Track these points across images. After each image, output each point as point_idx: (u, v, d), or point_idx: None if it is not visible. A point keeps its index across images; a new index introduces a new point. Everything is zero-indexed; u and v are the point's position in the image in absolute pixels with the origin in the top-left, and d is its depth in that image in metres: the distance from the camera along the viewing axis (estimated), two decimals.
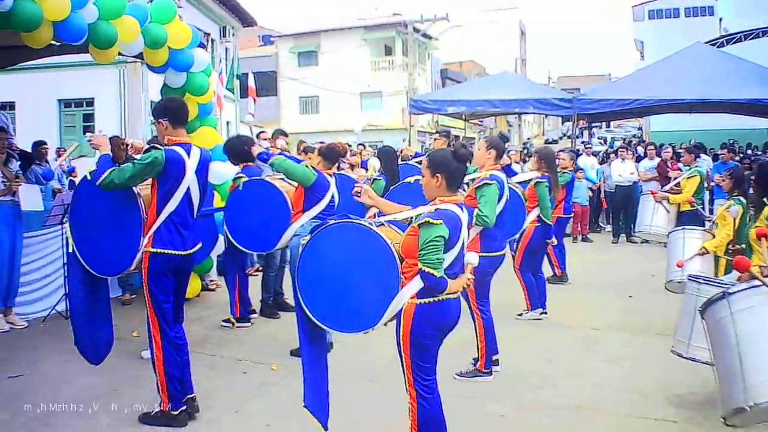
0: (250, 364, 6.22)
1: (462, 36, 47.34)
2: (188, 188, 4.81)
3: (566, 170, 9.39)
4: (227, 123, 24.18)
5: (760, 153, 18.75)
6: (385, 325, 3.94)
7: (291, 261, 7.03)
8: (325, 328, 4.04)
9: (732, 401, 3.41)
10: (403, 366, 3.88)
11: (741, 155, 18.59)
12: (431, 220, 3.67)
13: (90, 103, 20.12)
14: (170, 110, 4.88)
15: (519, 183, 7.71)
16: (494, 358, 5.94)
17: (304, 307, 4.00)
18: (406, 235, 3.86)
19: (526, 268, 7.85)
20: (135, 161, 4.65)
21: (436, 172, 3.90)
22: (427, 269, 3.63)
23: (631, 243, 13.19)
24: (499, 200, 5.80)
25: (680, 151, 13.61)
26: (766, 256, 4.52)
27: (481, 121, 40.43)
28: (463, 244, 3.89)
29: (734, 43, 32.26)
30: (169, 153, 4.68)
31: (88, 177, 4.84)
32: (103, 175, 4.60)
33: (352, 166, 10.70)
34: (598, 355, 6.66)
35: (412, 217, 3.99)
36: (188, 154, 4.82)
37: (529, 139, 53.13)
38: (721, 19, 56.85)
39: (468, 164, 4.23)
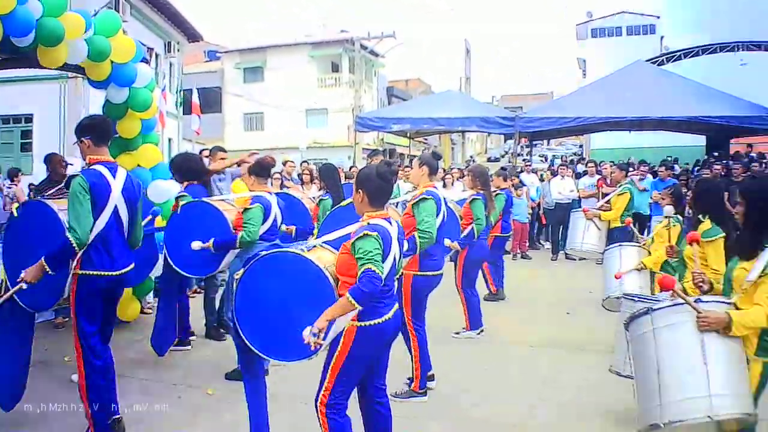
0: (185, 388, 6.11)
1: (408, 54, 47.67)
2: (115, 207, 4.72)
3: (499, 190, 9.48)
4: (169, 140, 23.91)
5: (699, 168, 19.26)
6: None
7: (227, 289, 6.90)
8: (268, 358, 4.06)
9: (648, 417, 3.47)
10: (322, 386, 3.93)
11: (687, 171, 19.05)
12: (368, 232, 3.75)
13: (29, 119, 19.69)
14: (92, 128, 4.80)
15: (455, 201, 7.79)
16: (429, 374, 5.97)
17: (246, 340, 4.01)
18: (340, 253, 3.91)
19: (468, 284, 7.92)
20: (70, 202, 4.53)
21: (359, 188, 4.01)
22: (368, 266, 3.66)
23: (569, 260, 13.38)
24: (437, 215, 5.84)
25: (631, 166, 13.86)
26: (698, 262, 4.65)
27: (426, 139, 40.69)
28: (394, 259, 3.95)
29: (674, 61, 33.13)
30: (89, 175, 4.60)
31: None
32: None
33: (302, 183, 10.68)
34: (536, 372, 6.73)
35: (346, 236, 4.02)
36: (112, 172, 4.74)
37: (471, 156, 53.64)
38: (662, 38, 58.37)
39: (393, 181, 4.28)
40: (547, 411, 5.68)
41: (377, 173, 4.03)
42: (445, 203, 6.18)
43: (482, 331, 7.95)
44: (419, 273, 5.85)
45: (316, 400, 3.94)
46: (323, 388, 3.93)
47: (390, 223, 4.00)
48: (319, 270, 3.86)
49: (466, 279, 7.87)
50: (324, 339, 3.64)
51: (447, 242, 6.51)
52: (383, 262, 3.82)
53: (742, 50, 32.78)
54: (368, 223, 3.87)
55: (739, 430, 3.60)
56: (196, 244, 6.14)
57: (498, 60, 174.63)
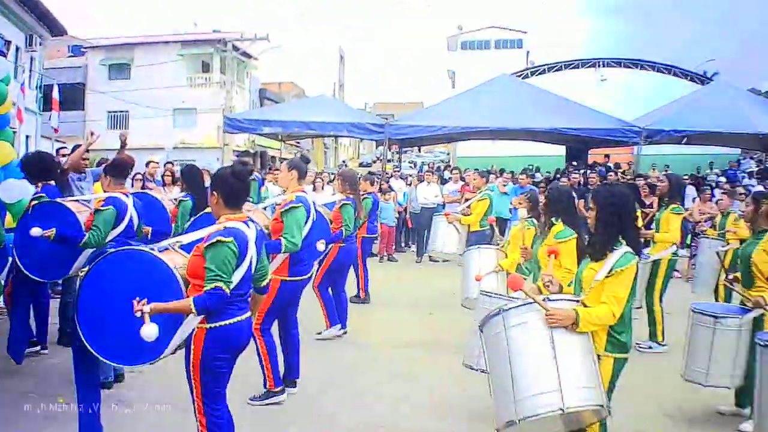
0: (35, 396, 5.74)
1: (282, 57, 47.43)
2: None
3: (366, 193, 9.56)
4: (27, 137, 22.66)
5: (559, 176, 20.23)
6: (174, 352, 3.85)
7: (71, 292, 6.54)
8: (108, 362, 3.88)
9: (505, 414, 3.58)
10: (192, 393, 3.82)
11: (547, 180, 19.84)
12: (222, 239, 3.66)
13: None
14: None
15: (324, 204, 7.81)
16: (288, 379, 5.95)
17: (86, 343, 3.82)
18: (192, 255, 3.81)
19: (325, 286, 7.94)
20: None
21: (214, 189, 3.95)
22: (215, 284, 3.59)
23: (434, 262, 13.66)
24: (306, 222, 5.82)
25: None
26: (551, 268, 4.86)
27: (299, 143, 40.57)
28: (251, 263, 3.89)
29: (539, 75, 34.66)
30: None
31: None
32: None
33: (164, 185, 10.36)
34: (397, 372, 6.82)
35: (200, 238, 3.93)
36: None
37: (344, 161, 53.90)
38: (528, 53, 60.70)
39: (249, 182, 4.23)
40: (407, 410, 5.76)
41: (232, 174, 3.97)
42: (315, 208, 6.17)
43: (344, 331, 8.01)
44: (288, 279, 5.82)
45: (195, 413, 3.85)
46: (195, 401, 3.84)
47: (248, 225, 3.93)
48: (169, 270, 3.75)
49: (328, 280, 7.90)
50: (164, 337, 3.54)
51: (320, 245, 6.55)
52: (239, 266, 3.76)
53: (603, 67, 34.74)
54: (224, 227, 3.80)
55: (593, 423, 3.80)
56: (36, 231, 5.72)
57: (372, 68, 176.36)
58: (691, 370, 5.61)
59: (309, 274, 6.06)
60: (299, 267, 5.86)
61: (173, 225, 7.40)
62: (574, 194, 6.31)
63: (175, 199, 7.92)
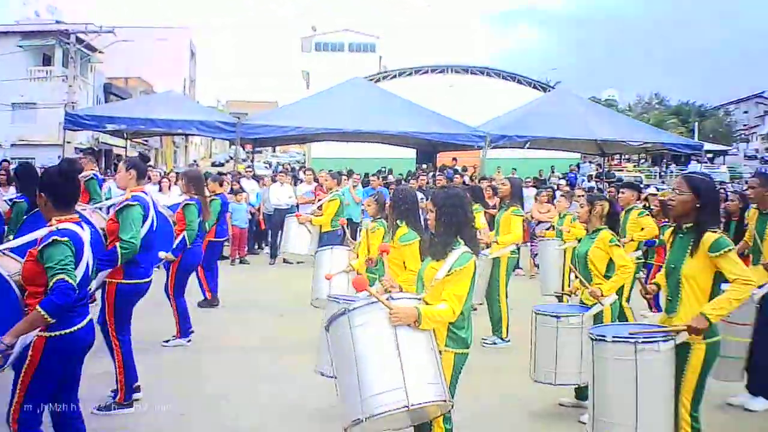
0: None
1: (130, 51, 45.55)
2: None
3: (214, 194, 9.34)
4: None
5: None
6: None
7: None
8: None
9: (351, 413, 3.57)
10: (12, 402, 3.63)
11: (398, 182, 20.15)
12: (58, 238, 3.51)
13: None
14: None
15: (168, 206, 7.57)
16: (135, 385, 5.70)
17: None
18: (26, 261, 3.59)
19: (180, 292, 7.68)
20: None
21: (41, 191, 3.76)
22: (60, 277, 3.44)
23: (287, 264, 13.56)
24: (143, 222, 5.59)
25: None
26: (389, 270, 4.92)
27: (146, 141, 39.18)
28: (87, 265, 3.72)
29: (391, 79, 35.25)
30: None
31: None
32: None
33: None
34: (248, 375, 6.73)
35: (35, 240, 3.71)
36: None
37: (195, 161, 52.55)
38: (381, 57, 61.61)
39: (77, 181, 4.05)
40: (257, 413, 5.70)
41: (60, 173, 3.81)
42: (155, 208, 5.94)
43: (189, 340, 7.77)
44: (123, 281, 5.56)
45: (7, 419, 3.64)
46: (13, 405, 3.64)
47: (82, 227, 3.76)
48: (2, 278, 3.51)
49: (178, 286, 7.64)
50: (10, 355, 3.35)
51: (162, 254, 6.31)
52: (76, 267, 3.59)
53: (451, 73, 35.82)
54: (57, 228, 3.62)
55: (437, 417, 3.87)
56: None
57: (226, 65, 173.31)
58: (540, 371, 5.81)
59: (148, 279, 5.81)
60: (135, 269, 5.60)
61: (5, 227, 6.95)
62: (419, 196, 6.44)
63: (10, 200, 7.46)
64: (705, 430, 4.11)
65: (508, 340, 8.03)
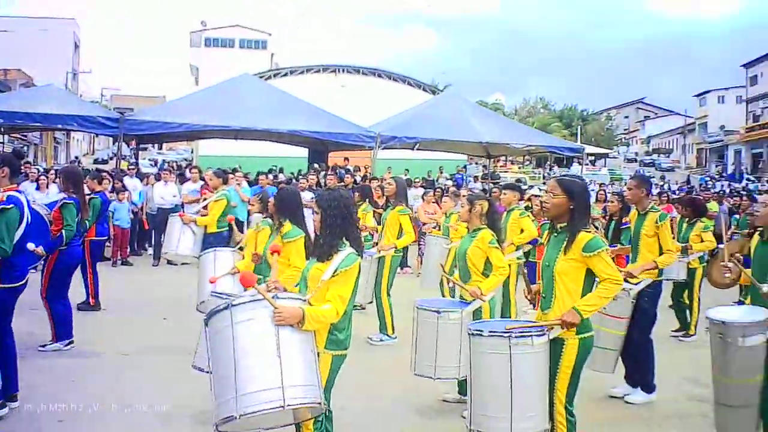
0: None
1: (9, 42, 43.42)
2: None
3: (94, 192, 9.01)
4: None
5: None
6: None
7: None
8: None
9: (224, 410, 3.52)
10: None
11: (289, 181, 20.01)
12: None
13: None
14: None
15: (46, 204, 7.25)
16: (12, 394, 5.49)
17: None
18: None
19: (56, 295, 7.35)
20: None
21: None
22: None
23: (172, 265, 13.23)
24: (19, 224, 5.34)
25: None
26: (275, 271, 4.89)
27: (25, 135, 37.33)
28: None
29: (282, 77, 34.98)
30: None
31: None
32: None
33: None
34: (130, 380, 6.56)
35: None
36: None
37: (77, 157, 50.52)
38: (273, 54, 61.09)
39: None
40: (141, 418, 5.57)
41: None
42: (29, 206, 5.68)
43: (71, 342, 7.46)
44: (1, 286, 5.34)
45: None
46: None
47: None
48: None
49: (53, 289, 7.32)
50: None
51: (30, 246, 5.98)
52: None
53: (343, 73, 35.90)
54: None
55: (307, 420, 3.86)
56: None
57: (112, 59, 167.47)
58: (420, 365, 5.88)
59: (24, 280, 5.58)
60: (11, 272, 5.39)
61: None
62: (309, 196, 6.44)
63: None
64: (587, 422, 4.29)
65: (395, 337, 8.12)
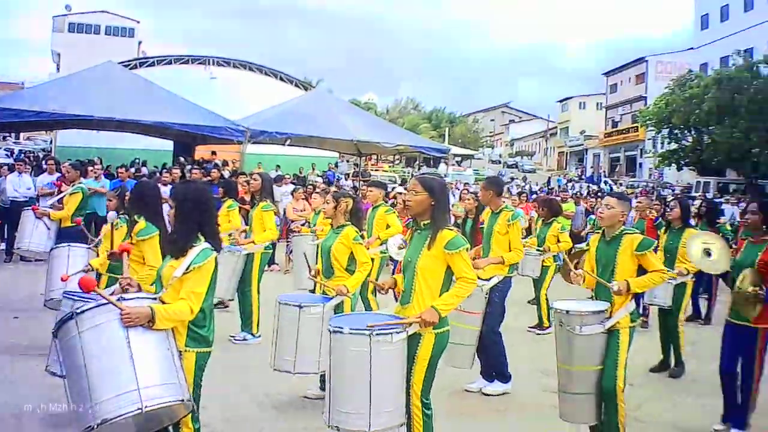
0: None
1: None
2: None
3: None
4: None
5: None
6: None
7: None
8: None
9: (83, 420, 3.39)
10: None
11: (152, 174, 19.42)
12: None
13: None
14: None
15: None
16: None
17: None
18: None
19: None
20: None
21: None
22: None
23: (26, 261, 12.52)
24: None
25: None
26: (128, 269, 4.72)
27: None
28: None
29: (148, 66, 33.82)
30: None
31: None
32: None
33: None
34: None
35: None
36: None
37: None
38: (140, 42, 59.17)
39: None
40: None
41: None
42: None
43: None
44: None
45: None
46: None
47: None
48: None
49: None
50: None
51: None
52: None
53: (213, 65, 35.13)
54: None
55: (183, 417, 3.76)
56: None
57: None
58: (280, 359, 5.85)
59: None
60: None
61: None
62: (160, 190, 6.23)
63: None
64: (444, 415, 4.36)
65: (259, 336, 8.03)
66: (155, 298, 3.78)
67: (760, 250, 5.51)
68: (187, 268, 3.78)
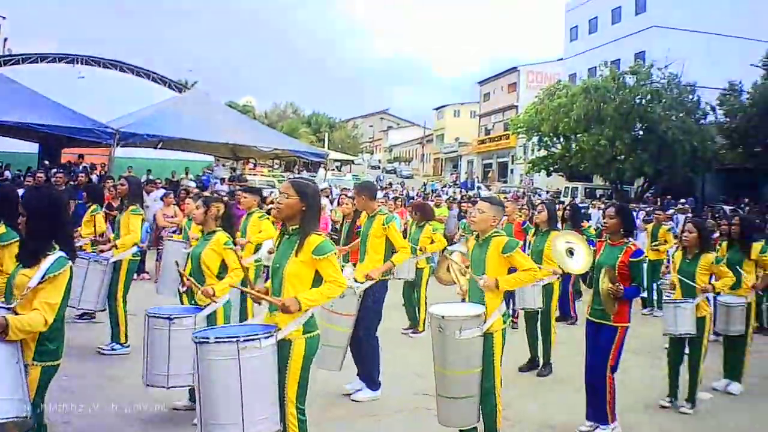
0: None
1: None
2: None
3: None
4: None
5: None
6: None
7: None
8: None
9: None
10: None
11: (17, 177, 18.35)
12: None
13: None
14: None
15: None
16: None
17: None
18: None
19: None
20: None
21: None
22: None
23: None
24: None
25: None
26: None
27: None
28: None
29: (13, 64, 32.08)
30: None
31: None
32: None
33: None
34: None
35: None
36: None
37: None
38: (6, 39, 56.19)
39: None
40: None
41: None
42: None
43: None
44: None
45: None
46: None
47: None
48: None
49: None
50: None
51: None
52: None
53: (81, 64, 33.74)
54: None
55: None
56: None
57: None
58: (152, 375, 5.65)
59: None
60: None
61: None
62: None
63: None
64: (319, 421, 4.29)
65: (128, 346, 7.75)
66: (10, 308, 3.58)
67: (620, 251, 5.84)
68: (42, 278, 3.60)
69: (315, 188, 4.63)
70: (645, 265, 6.46)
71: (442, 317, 4.98)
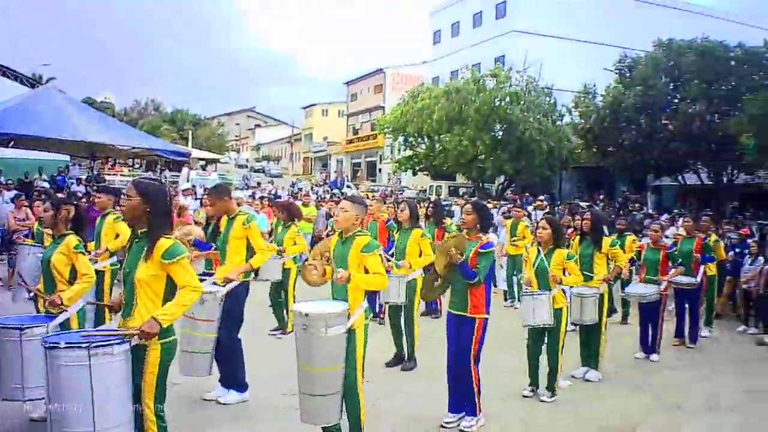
0: None
1: None
2: None
3: None
4: None
5: None
6: None
7: None
8: None
9: None
10: None
11: None
12: None
13: None
14: None
15: None
16: None
17: None
18: None
19: None
20: None
21: None
22: None
23: None
24: None
25: None
26: None
27: None
28: None
29: None
30: None
31: None
32: None
33: None
34: None
35: None
36: None
37: None
38: None
39: None
40: None
41: None
42: None
43: None
44: None
45: None
46: None
47: None
48: None
49: None
50: None
51: None
52: None
53: None
54: None
55: None
56: None
57: None
58: (7, 388, 5.38)
59: None
60: None
61: None
62: None
63: None
64: (181, 425, 4.19)
65: None
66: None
67: (474, 245, 6.07)
68: None
69: (159, 188, 4.48)
70: (494, 260, 6.71)
71: (306, 315, 4.95)
